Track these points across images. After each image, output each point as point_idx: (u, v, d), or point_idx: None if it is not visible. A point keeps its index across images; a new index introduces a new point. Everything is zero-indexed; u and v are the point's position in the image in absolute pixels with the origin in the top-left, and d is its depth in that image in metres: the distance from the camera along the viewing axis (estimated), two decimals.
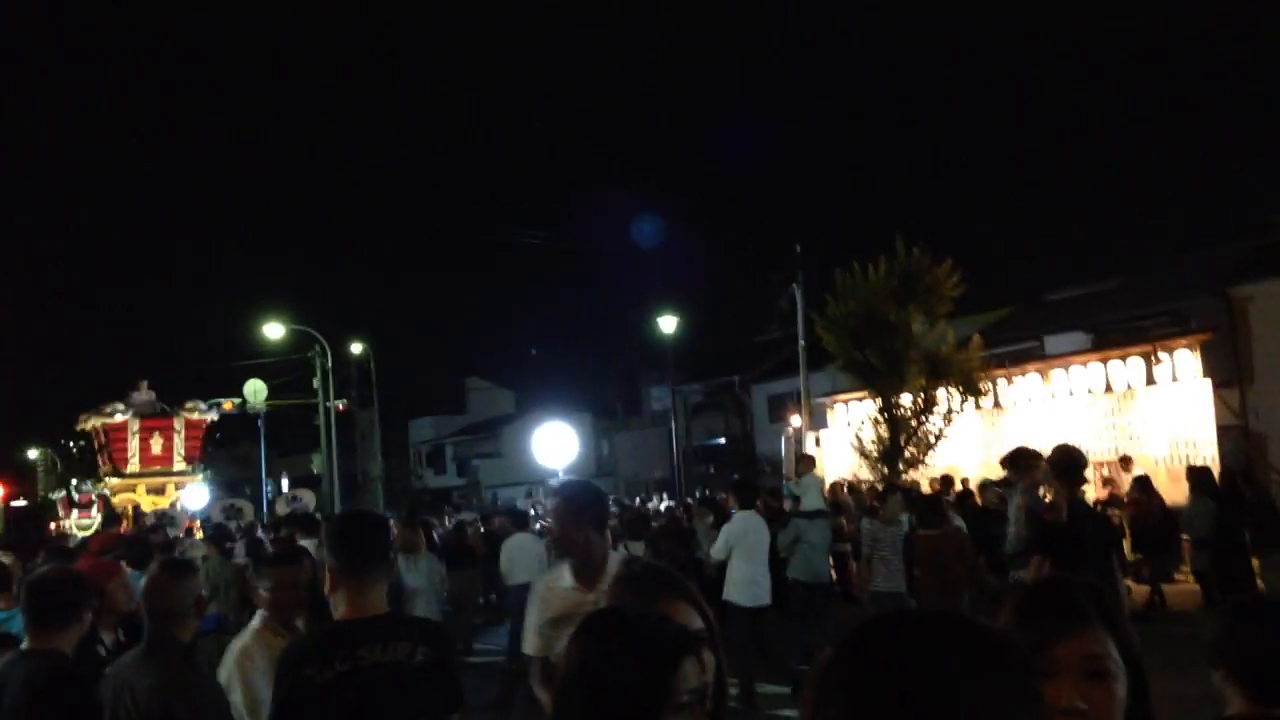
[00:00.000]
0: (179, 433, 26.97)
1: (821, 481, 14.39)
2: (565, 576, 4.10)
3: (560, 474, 30.84)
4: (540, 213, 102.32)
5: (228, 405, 36.27)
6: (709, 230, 78.12)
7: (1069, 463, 7.34)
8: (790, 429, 32.11)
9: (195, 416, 27.77)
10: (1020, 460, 8.43)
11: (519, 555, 13.62)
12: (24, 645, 4.19)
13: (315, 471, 41.01)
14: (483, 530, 21.90)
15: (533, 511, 23.86)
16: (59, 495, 38.19)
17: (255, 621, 4.44)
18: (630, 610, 2.20)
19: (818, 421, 28.22)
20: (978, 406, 22.46)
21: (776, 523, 12.99)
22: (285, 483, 46.38)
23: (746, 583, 10.65)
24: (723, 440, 41.60)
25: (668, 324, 30.86)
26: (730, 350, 43.87)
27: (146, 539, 13.28)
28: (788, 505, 14.74)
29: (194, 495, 37.27)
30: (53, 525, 34.33)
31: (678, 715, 1.89)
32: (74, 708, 3.92)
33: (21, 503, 63.99)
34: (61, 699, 3.96)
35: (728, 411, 42.43)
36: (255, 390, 35.46)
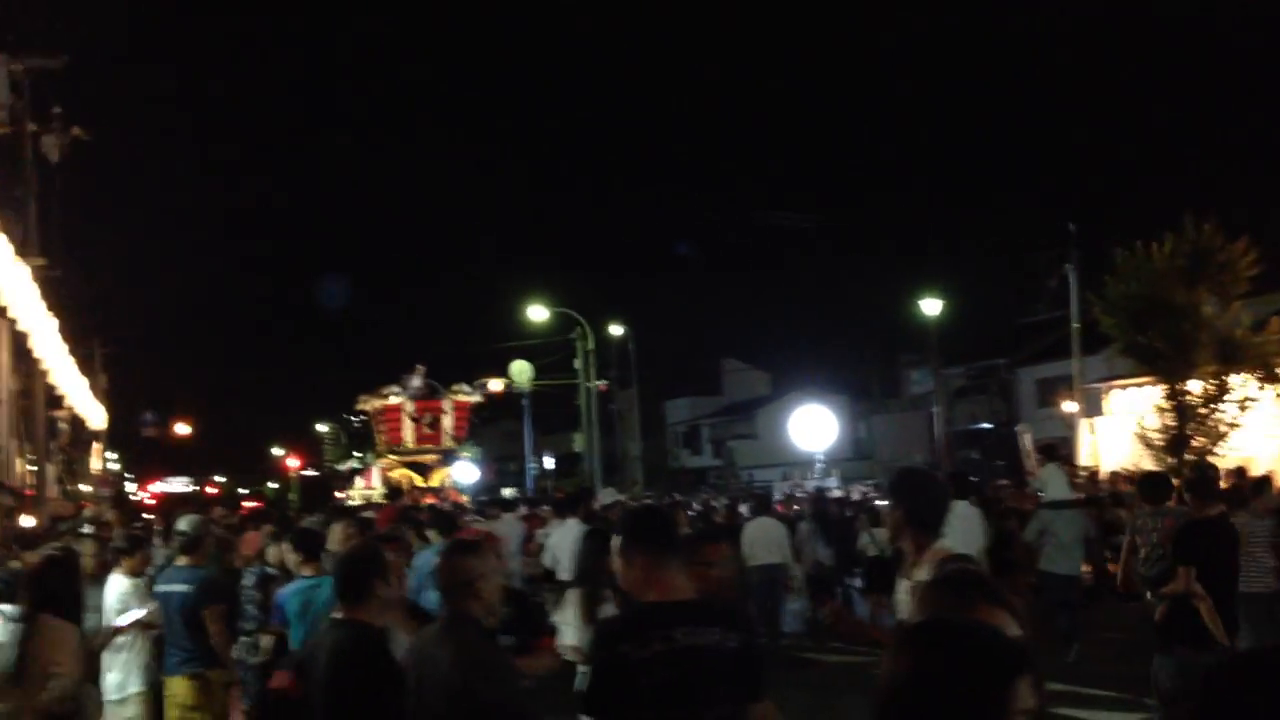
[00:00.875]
0: (447, 413, 28.26)
1: (1063, 472, 13.98)
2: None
3: (819, 457, 30.52)
4: (798, 194, 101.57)
5: (496, 386, 37.77)
6: (971, 207, 75.43)
7: None
8: (1059, 415, 30.75)
9: (462, 398, 28.93)
10: None
11: (760, 537, 13.64)
12: (335, 615, 4.39)
13: (576, 450, 42.19)
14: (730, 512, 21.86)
15: (784, 494, 23.67)
16: (344, 466, 40.84)
17: None
18: (962, 621, 2.09)
19: (1091, 407, 26.77)
20: (1278, 395, 20.73)
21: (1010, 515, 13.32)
22: (548, 460, 48.00)
23: None
24: (987, 425, 40.13)
25: (931, 306, 29.92)
26: (994, 332, 42.29)
27: (451, 512, 13.81)
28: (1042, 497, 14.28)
29: (464, 471, 39.12)
30: (338, 493, 36.84)
31: None
32: (379, 676, 4.05)
33: (312, 472, 69.17)
34: (367, 668, 4.12)
35: (992, 395, 40.95)
36: (521, 370, 36.73)
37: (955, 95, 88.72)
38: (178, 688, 7.35)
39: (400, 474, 27.24)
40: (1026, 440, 22.54)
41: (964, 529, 10.50)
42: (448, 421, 28.08)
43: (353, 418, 33.50)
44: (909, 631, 2.00)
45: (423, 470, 27.40)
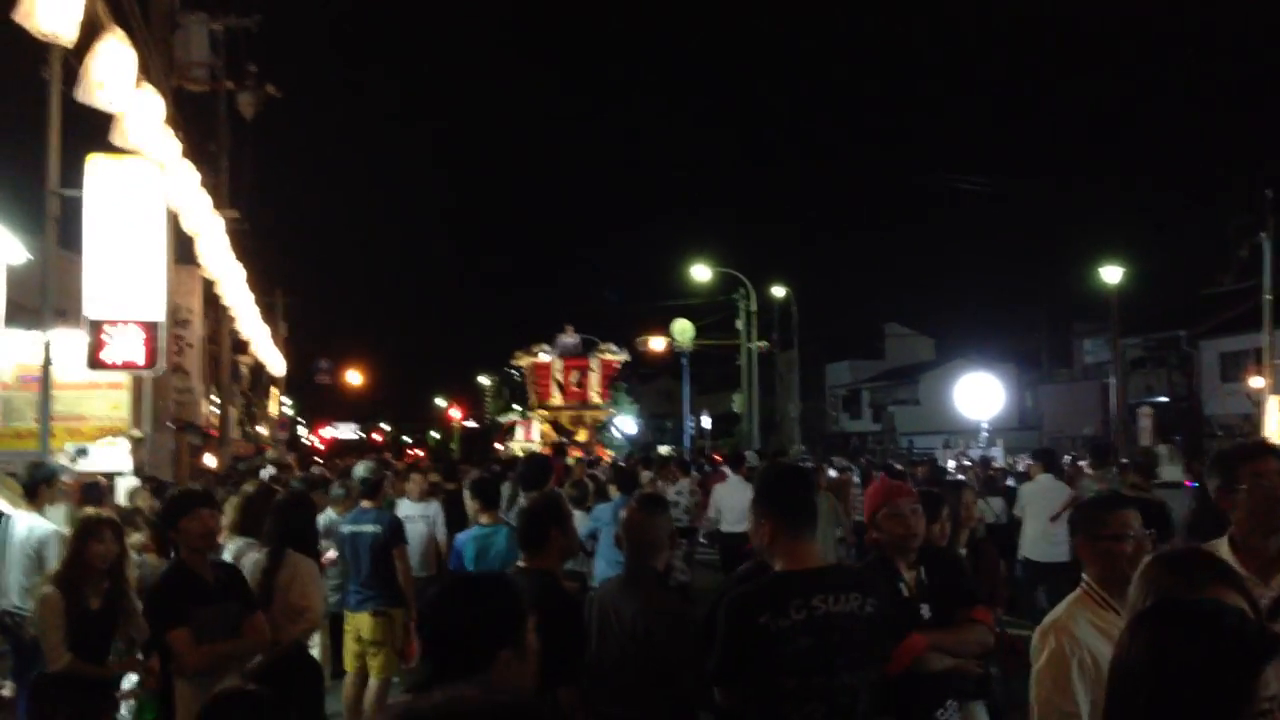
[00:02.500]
0: (594, 371, 29.20)
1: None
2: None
3: (984, 425, 29.84)
4: (973, 155, 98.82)
5: (658, 344, 38.02)
6: (1157, 171, 72.08)
7: None
8: (1245, 391, 29.29)
9: (608, 357, 29.80)
10: None
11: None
12: (519, 563, 4.56)
13: (735, 410, 42.13)
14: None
15: (953, 464, 23.19)
16: (505, 419, 41.77)
17: None
18: (1205, 602, 1.98)
19: None
20: None
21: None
22: (705, 419, 48.09)
23: (1034, 540, 11.10)
24: (1164, 399, 38.49)
25: (1111, 274, 28.72)
26: (1174, 302, 40.47)
27: (633, 468, 14.06)
28: None
29: (626, 424, 39.60)
30: (497, 444, 37.74)
31: None
32: (562, 623, 4.16)
33: (473, 424, 70.91)
34: (548, 613, 4.22)
35: (1170, 368, 39.22)
36: (683, 329, 36.86)
37: (1147, 51, 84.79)
38: (362, 623, 7.67)
39: (550, 427, 28.24)
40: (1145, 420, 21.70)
41: (1043, 500, 11.07)
42: (594, 379, 29.02)
43: (512, 372, 34.43)
44: (1145, 613, 1.91)
45: (564, 430, 28.16)
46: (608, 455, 24.78)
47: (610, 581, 4.52)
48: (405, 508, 9.39)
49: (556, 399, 28.72)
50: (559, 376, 28.60)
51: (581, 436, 27.68)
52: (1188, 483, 14.84)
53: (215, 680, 4.47)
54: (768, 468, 4.16)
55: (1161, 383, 39.43)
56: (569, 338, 29.19)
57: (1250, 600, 2.28)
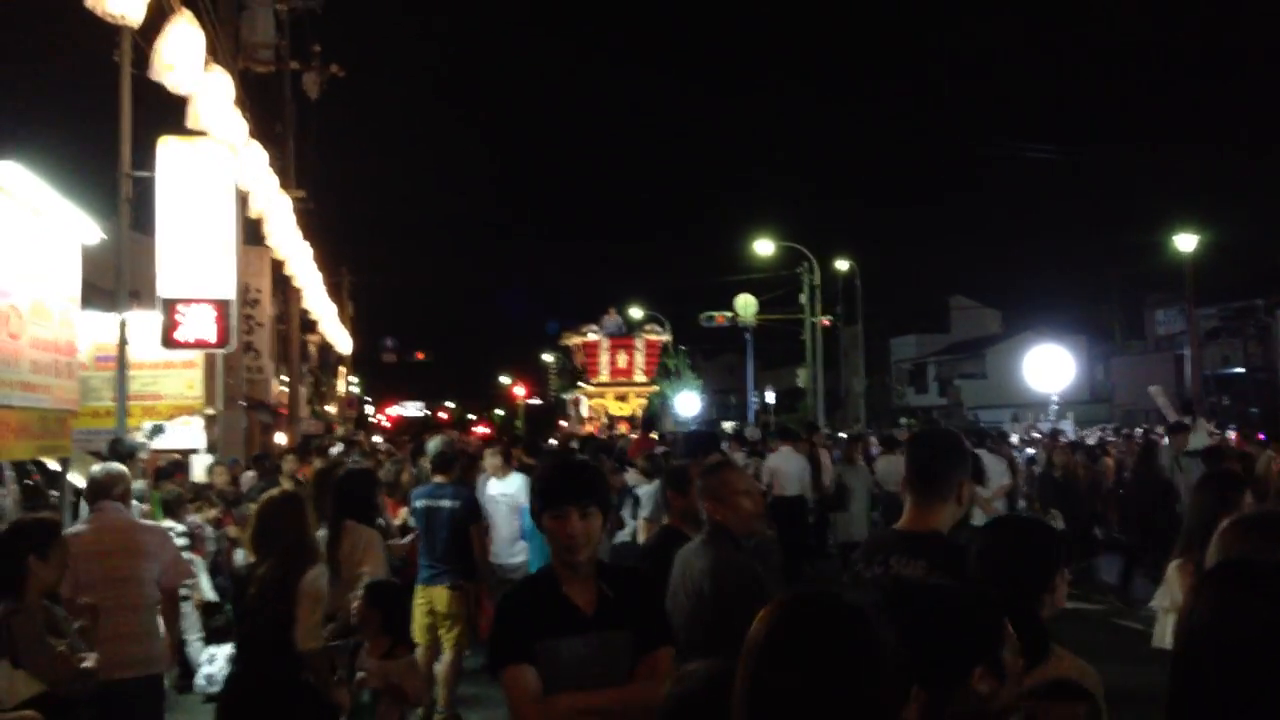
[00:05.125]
0: (640, 350, 30.35)
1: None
2: None
3: (1054, 398, 29.38)
4: (1041, 122, 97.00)
5: (720, 318, 37.88)
6: (1231, 136, 70.31)
7: None
8: None
9: (653, 338, 30.93)
10: None
11: None
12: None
13: (799, 385, 41.91)
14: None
15: (1016, 438, 22.91)
16: (569, 396, 41.95)
17: None
18: (1270, 562, 1.91)
19: None
20: None
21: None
22: (770, 394, 47.89)
23: None
24: (1240, 370, 37.64)
25: (1185, 242, 28.08)
26: (1251, 270, 39.48)
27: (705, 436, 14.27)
28: None
29: (687, 402, 39.53)
30: (562, 421, 37.92)
31: None
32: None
33: (536, 401, 71.33)
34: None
35: (1247, 338, 38.34)
36: (745, 304, 36.66)
37: (1223, 11, 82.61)
38: (437, 596, 7.74)
39: (597, 403, 29.02)
40: (1161, 397, 21.32)
41: None
42: (640, 358, 30.17)
43: (563, 352, 35.25)
44: (1210, 573, 1.86)
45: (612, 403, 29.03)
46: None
47: (693, 542, 4.65)
48: (493, 486, 9.33)
49: (604, 376, 29.76)
50: (606, 354, 29.51)
51: (626, 410, 28.49)
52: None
53: None
54: (918, 433, 4.25)
55: (1238, 354, 38.56)
56: (613, 319, 30.49)
57: None
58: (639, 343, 30.09)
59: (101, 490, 5.76)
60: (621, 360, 29.80)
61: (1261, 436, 14.53)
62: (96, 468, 6.12)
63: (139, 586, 5.44)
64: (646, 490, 9.18)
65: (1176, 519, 11.55)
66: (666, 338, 32.02)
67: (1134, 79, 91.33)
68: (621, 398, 29.62)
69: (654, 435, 19.86)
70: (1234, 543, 2.29)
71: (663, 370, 40.29)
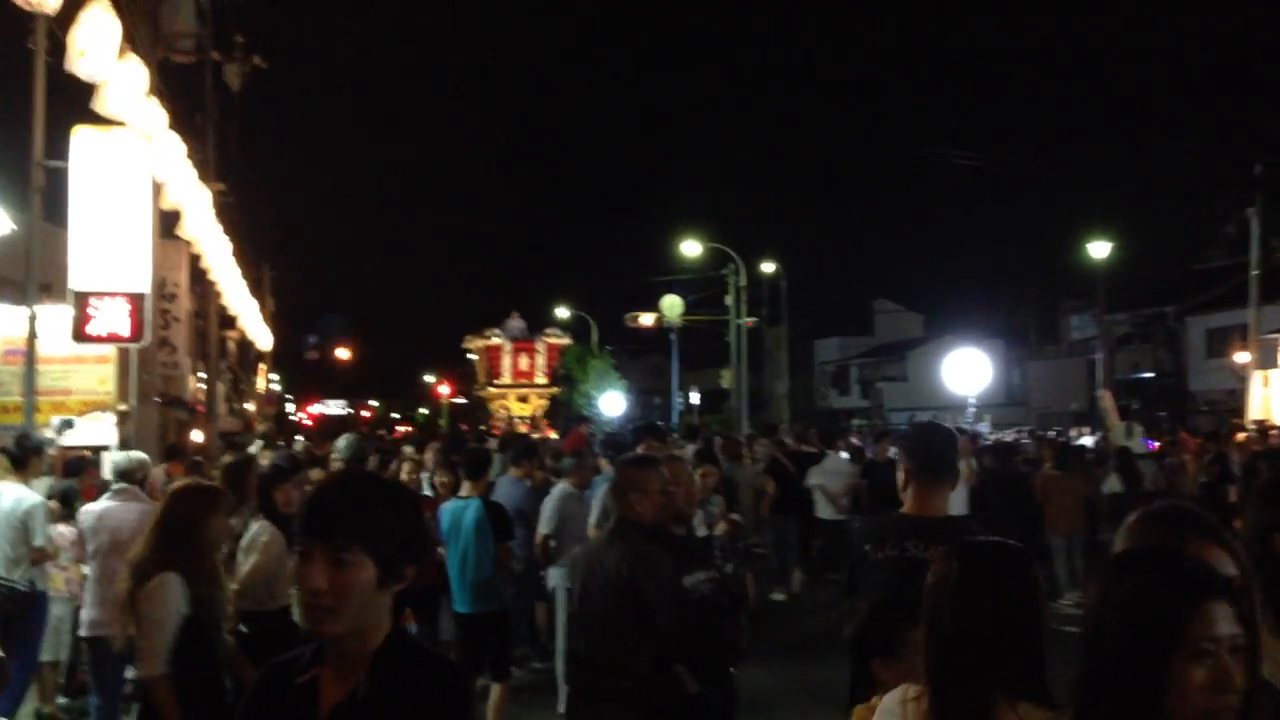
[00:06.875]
0: (541, 353, 30.75)
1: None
2: None
3: (971, 401, 29.90)
4: (961, 131, 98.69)
5: (642, 320, 38.03)
6: (1145, 147, 72.10)
7: None
8: (1230, 366, 29.40)
9: (553, 341, 31.36)
10: None
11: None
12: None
13: (724, 386, 42.13)
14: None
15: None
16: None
17: None
18: (1156, 548, 2.05)
19: (1265, 359, 25.50)
20: None
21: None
22: (694, 395, 48.10)
23: None
24: (1150, 375, 38.63)
25: (1098, 249, 28.74)
26: (1162, 278, 40.57)
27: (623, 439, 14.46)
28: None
29: (612, 402, 39.54)
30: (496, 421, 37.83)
31: (1196, 661, 1.73)
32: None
33: (461, 400, 70.93)
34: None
35: (1157, 344, 39.39)
36: (671, 305, 36.82)
37: (1139, 26, 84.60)
38: None
39: (499, 404, 30.10)
40: (1107, 400, 22.07)
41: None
42: (541, 360, 30.72)
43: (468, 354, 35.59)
44: (1105, 562, 1.97)
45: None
46: (552, 432, 26.03)
47: (599, 535, 4.86)
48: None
49: (507, 378, 30.51)
50: (509, 358, 30.45)
51: (526, 411, 29.45)
52: (1148, 444, 15.29)
53: None
54: (919, 425, 4.59)
55: (1148, 359, 39.58)
56: (516, 323, 30.84)
57: (1238, 558, 2.27)
58: (540, 346, 30.79)
59: (125, 475, 7.10)
60: (524, 363, 30.52)
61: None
62: (119, 455, 7.63)
63: None
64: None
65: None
66: (566, 341, 32.81)
67: (1055, 90, 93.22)
68: (523, 399, 30.35)
69: (586, 430, 19.87)
70: (1140, 537, 2.36)
71: (580, 370, 40.74)
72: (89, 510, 7.11)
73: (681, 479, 4.77)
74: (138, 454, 7.50)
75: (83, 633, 6.91)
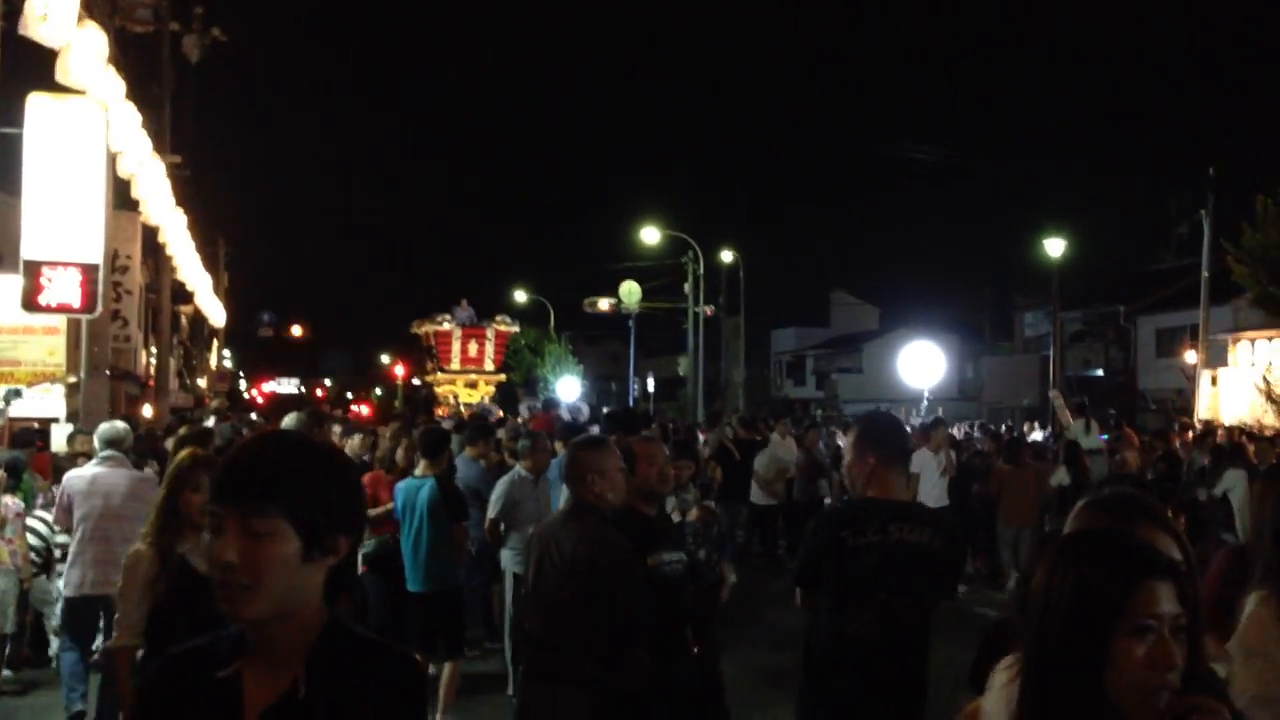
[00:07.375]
0: (490, 340, 31.00)
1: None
2: None
3: (925, 395, 30.16)
4: (921, 126, 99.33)
5: (599, 305, 38.01)
6: (1100, 148, 72.92)
7: None
8: (1179, 365, 29.85)
9: (502, 328, 31.59)
10: None
11: None
12: None
13: (680, 373, 42.20)
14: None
15: None
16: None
17: None
18: (1102, 530, 2.08)
19: (1214, 359, 25.93)
20: None
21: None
22: (650, 382, 48.17)
23: None
24: (1100, 372, 39.13)
25: (1054, 247, 29.04)
26: (1115, 277, 41.10)
27: (577, 423, 14.66)
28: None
29: (568, 387, 39.48)
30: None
31: (1137, 638, 1.75)
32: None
33: (416, 381, 70.61)
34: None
35: (1108, 342, 39.89)
36: (630, 291, 36.81)
37: (1095, 25, 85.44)
38: None
39: (447, 389, 30.11)
40: (1059, 399, 22.52)
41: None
42: (490, 347, 31.00)
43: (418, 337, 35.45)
44: (1053, 544, 1.97)
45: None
46: (499, 413, 26.18)
47: (553, 516, 4.79)
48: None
49: (455, 364, 30.69)
50: (458, 343, 30.60)
51: (475, 397, 29.43)
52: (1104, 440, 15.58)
53: None
54: (871, 416, 4.54)
55: (1099, 356, 40.08)
56: (464, 311, 31.00)
57: (1182, 545, 2.30)
58: (490, 333, 30.97)
59: (113, 443, 7.13)
60: (473, 349, 30.68)
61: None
62: (105, 425, 7.51)
63: (131, 524, 6.16)
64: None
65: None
66: (515, 329, 33.05)
67: (1014, 89, 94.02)
68: (472, 385, 30.46)
69: (556, 412, 19.80)
70: (1089, 522, 2.40)
71: (535, 357, 40.77)
72: (79, 475, 7.13)
73: (656, 458, 4.74)
74: (120, 423, 7.57)
75: (68, 594, 7.01)
